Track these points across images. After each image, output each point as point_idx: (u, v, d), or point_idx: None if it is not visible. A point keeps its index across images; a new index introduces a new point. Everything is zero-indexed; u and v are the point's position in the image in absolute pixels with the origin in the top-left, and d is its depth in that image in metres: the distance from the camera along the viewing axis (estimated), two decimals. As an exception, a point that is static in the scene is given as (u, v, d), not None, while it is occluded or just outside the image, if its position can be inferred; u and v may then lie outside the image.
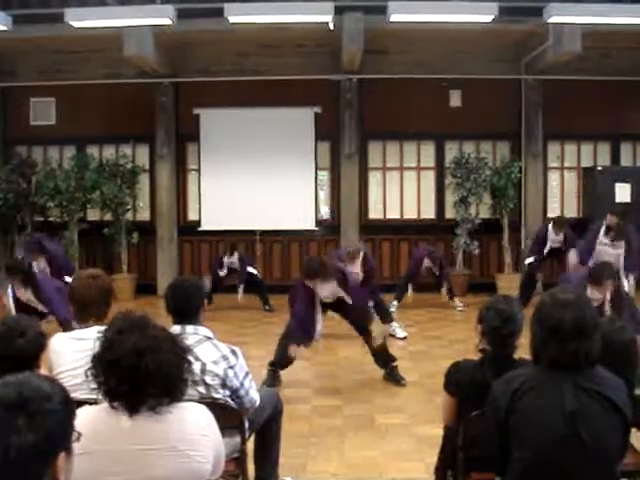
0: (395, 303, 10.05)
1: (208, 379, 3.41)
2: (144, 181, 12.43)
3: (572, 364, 2.56)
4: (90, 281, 3.90)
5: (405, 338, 8.62)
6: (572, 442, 2.49)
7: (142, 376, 2.22)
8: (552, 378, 2.58)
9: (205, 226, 12.20)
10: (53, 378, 1.82)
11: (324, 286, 6.34)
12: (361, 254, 8.53)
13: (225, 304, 10.52)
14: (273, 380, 6.52)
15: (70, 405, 1.70)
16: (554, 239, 10.00)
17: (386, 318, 8.67)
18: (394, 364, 6.84)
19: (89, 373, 2.32)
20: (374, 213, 12.52)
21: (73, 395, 2.45)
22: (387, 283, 10.62)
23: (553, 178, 12.55)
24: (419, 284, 10.76)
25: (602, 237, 8.63)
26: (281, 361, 6.58)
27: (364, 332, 6.72)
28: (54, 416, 1.61)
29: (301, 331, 6.41)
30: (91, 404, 2.29)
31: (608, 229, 8.65)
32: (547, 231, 10.14)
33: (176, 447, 2.21)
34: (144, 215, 12.53)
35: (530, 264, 10.25)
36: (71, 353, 3.33)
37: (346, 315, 6.79)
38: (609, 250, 8.50)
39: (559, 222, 10.06)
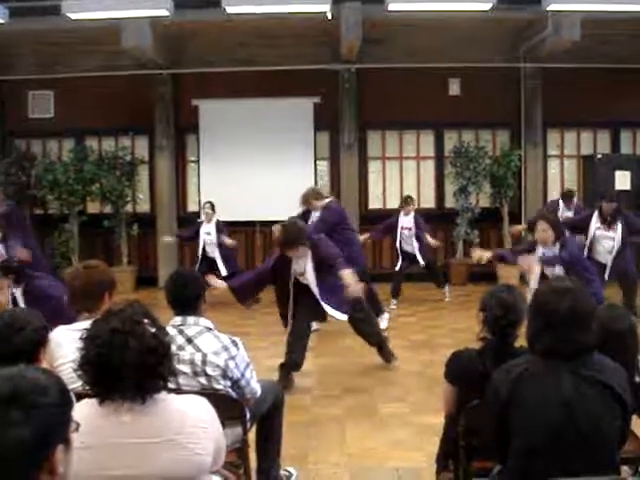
0: (393, 301, 9.94)
1: (209, 370, 3.41)
2: (143, 173, 12.43)
3: (568, 352, 2.56)
4: (81, 271, 3.83)
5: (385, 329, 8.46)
6: (571, 430, 2.50)
7: (99, 367, 2.21)
8: (550, 367, 2.58)
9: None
10: (48, 370, 1.80)
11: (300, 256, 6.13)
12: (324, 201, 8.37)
13: (226, 295, 10.53)
14: (289, 385, 6.27)
15: (67, 397, 1.69)
16: (565, 214, 9.86)
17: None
18: (386, 344, 6.93)
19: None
20: (374, 203, 12.52)
21: (73, 387, 2.46)
22: (387, 272, 10.60)
23: (553, 166, 12.55)
24: (416, 274, 10.62)
25: (596, 223, 8.50)
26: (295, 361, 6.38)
27: (354, 322, 6.70)
28: (50, 409, 1.60)
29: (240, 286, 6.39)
30: (91, 396, 2.28)
31: (602, 215, 8.55)
32: (558, 206, 10.08)
33: (176, 440, 2.20)
34: (144, 207, 12.55)
35: None
36: (71, 345, 3.29)
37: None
38: (607, 233, 8.45)
39: (568, 194, 10.10)
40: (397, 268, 10.11)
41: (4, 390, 1.58)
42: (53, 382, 1.67)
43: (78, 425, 1.71)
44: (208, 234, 10.40)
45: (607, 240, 8.45)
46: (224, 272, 10.23)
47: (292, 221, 6.55)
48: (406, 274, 10.21)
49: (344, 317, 6.48)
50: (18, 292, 5.98)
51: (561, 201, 10.13)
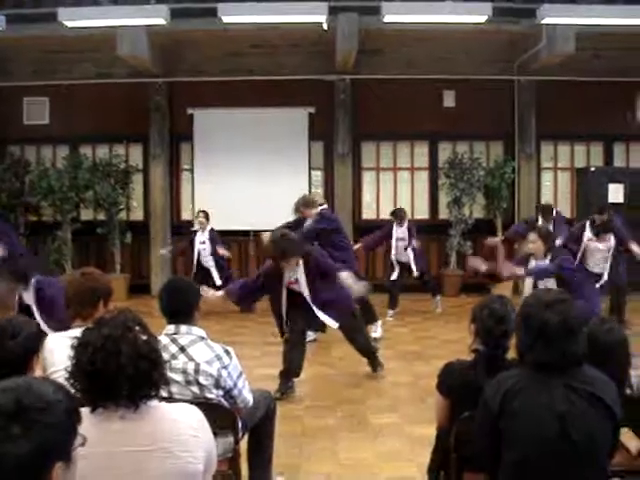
0: (390, 312, 9.90)
1: (202, 379, 3.41)
2: (137, 181, 12.42)
3: (559, 365, 2.58)
4: (77, 279, 3.83)
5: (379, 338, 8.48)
6: (563, 442, 2.50)
7: (91, 373, 2.20)
8: (542, 379, 2.59)
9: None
10: (60, 384, 1.78)
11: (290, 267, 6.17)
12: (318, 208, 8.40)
13: (221, 305, 10.52)
14: (290, 391, 6.36)
15: (73, 414, 1.67)
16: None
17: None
18: (376, 354, 6.94)
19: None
20: (367, 213, 12.53)
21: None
22: (381, 282, 10.57)
23: (546, 178, 12.59)
24: (409, 285, 10.60)
25: (588, 234, 8.60)
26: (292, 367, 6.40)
27: (345, 331, 6.69)
28: (52, 427, 1.57)
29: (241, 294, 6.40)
30: (83, 405, 2.28)
31: (594, 226, 8.61)
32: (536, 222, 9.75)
33: (167, 448, 2.20)
34: (137, 215, 12.52)
35: None
36: (64, 351, 3.27)
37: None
38: (599, 245, 8.53)
39: (546, 209, 9.90)
40: (393, 278, 10.07)
41: (7, 404, 1.56)
42: (60, 398, 1.65)
43: (85, 439, 1.70)
44: (202, 243, 10.38)
45: (598, 252, 8.55)
46: (218, 281, 10.21)
47: (282, 232, 6.53)
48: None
49: (335, 325, 6.50)
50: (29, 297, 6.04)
51: (540, 217, 9.93)
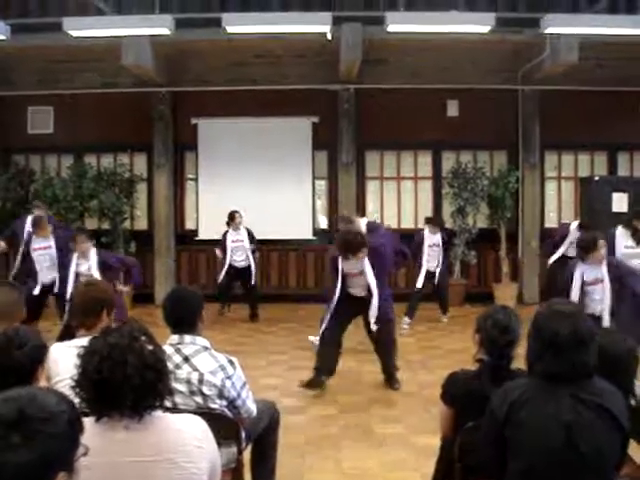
0: (407, 320, 9.82)
1: (205, 389, 3.40)
2: (142, 190, 12.43)
3: (569, 375, 2.57)
4: (81, 289, 3.86)
5: None
6: (570, 453, 2.49)
7: (97, 383, 2.21)
8: (549, 389, 2.58)
9: (202, 235, 12.19)
10: (64, 395, 1.78)
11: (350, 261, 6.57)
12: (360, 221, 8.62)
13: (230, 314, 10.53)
14: (317, 384, 6.62)
15: (75, 426, 1.67)
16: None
17: None
18: (395, 375, 6.97)
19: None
20: (371, 222, 12.52)
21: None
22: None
23: (550, 188, 12.57)
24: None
25: (625, 241, 8.07)
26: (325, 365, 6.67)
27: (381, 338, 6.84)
28: (54, 437, 1.57)
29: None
30: (87, 414, 2.28)
31: (635, 232, 8.30)
32: (569, 232, 9.72)
33: (171, 458, 2.20)
34: (142, 224, 12.53)
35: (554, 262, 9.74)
36: (68, 361, 3.27)
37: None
38: (638, 251, 8.08)
39: (587, 225, 9.44)
40: (419, 286, 10.01)
41: (9, 413, 1.56)
42: (64, 409, 1.65)
43: (87, 449, 1.70)
44: (235, 242, 10.43)
45: (637, 258, 8.00)
46: (253, 281, 10.44)
47: (350, 229, 7.24)
48: (409, 294, 10.19)
49: (374, 326, 6.70)
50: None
51: (575, 228, 9.64)
